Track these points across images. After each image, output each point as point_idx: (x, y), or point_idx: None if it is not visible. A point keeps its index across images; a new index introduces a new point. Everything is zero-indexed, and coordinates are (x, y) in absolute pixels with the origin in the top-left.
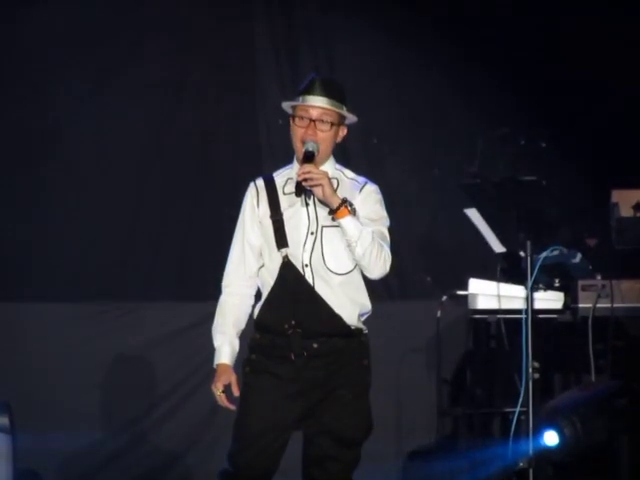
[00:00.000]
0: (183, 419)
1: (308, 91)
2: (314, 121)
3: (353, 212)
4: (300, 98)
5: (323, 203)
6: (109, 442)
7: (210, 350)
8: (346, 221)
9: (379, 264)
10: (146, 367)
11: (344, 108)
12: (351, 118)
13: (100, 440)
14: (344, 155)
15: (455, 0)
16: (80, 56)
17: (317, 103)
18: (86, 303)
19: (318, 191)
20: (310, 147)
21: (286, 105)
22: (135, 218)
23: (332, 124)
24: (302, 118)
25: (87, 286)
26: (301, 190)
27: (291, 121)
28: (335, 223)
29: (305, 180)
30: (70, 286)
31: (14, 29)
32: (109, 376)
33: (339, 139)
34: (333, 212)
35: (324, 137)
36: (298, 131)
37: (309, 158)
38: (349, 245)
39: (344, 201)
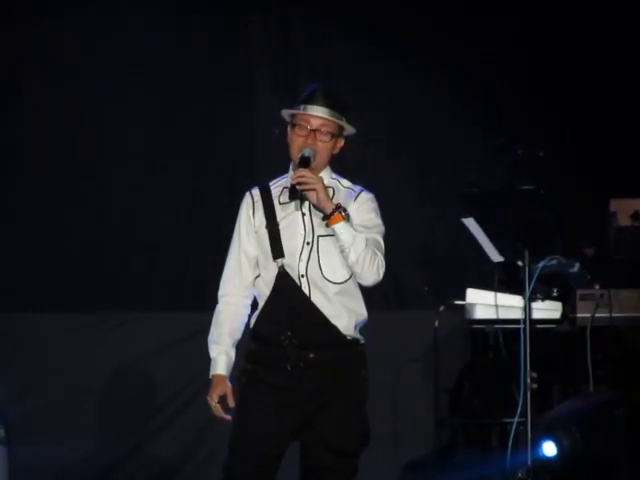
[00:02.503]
0: (180, 430)
1: (309, 100)
2: (314, 131)
3: (347, 218)
4: (301, 107)
5: (317, 209)
6: (106, 454)
7: (208, 360)
8: (339, 227)
9: (372, 271)
10: (143, 377)
11: (344, 119)
12: (350, 130)
13: (96, 452)
14: (341, 164)
15: (452, 8)
16: (78, 64)
17: (318, 113)
18: (83, 313)
19: (312, 196)
20: (307, 153)
21: (285, 113)
22: (132, 228)
23: (332, 135)
24: (302, 127)
25: (84, 296)
26: (295, 193)
27: (289, 129)
28: (330, 232)
29: (299, 184)
30: (67, 296)
31: (15, 39)
32: (106, 387)
33: (336, 150)
34: (326, 218)
35: (323, 147)
36: (297, 140)
37: (305, 163)
38: (342, 251)
39: (338, 207)
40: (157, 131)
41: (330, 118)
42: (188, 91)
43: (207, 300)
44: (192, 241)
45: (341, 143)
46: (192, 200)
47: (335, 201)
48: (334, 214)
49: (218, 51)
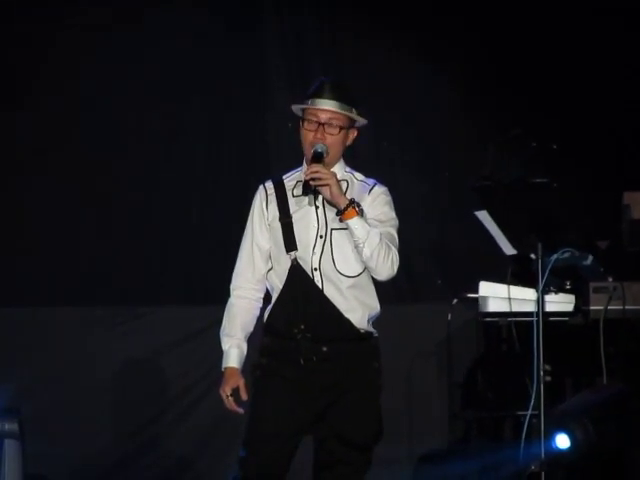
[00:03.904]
0: (193, 424)
1: (317, 94)
2: (323, 125)
3: (360, 213)
4: (309, 101)
5: (331, 204)
6: (119, 447)
7: (220, 354)
8: (353, 222)
9: (387, 266)
10: (156, 371)
11: (354, 111)
12: (361, 121)
13: (110, 445)
14: (354, 158)
15: (462, 3)
16: (88, 57)
17: (326, 106)
18: (95, 307)
19: (325, 191)
20: (319, 148)
21: (296, 108)
22: (144, 222)
23: (341, 128)
24: (311, 121)
25: (95, 290)
26: (308, 189)
27: (300, 124)
28: (344, 225)
29: (313, 179)
30: (79, 290)
31: (22, 35)
32: (119, 381)
33: (349, 142)
34: (340, 213)
35: (333, 141)
36: (307, 134)
37: (318, 158)
38: (356, 246)
39: (352, 202)
40: (170, 128)
41: (338, 111)
42: (201, 87)
43: (219, 294)
44: (204, 235)
45: (354, 134)
46: (204, 195)
47: (349, 194)
48: (348, 209)
49: (232, 50)
